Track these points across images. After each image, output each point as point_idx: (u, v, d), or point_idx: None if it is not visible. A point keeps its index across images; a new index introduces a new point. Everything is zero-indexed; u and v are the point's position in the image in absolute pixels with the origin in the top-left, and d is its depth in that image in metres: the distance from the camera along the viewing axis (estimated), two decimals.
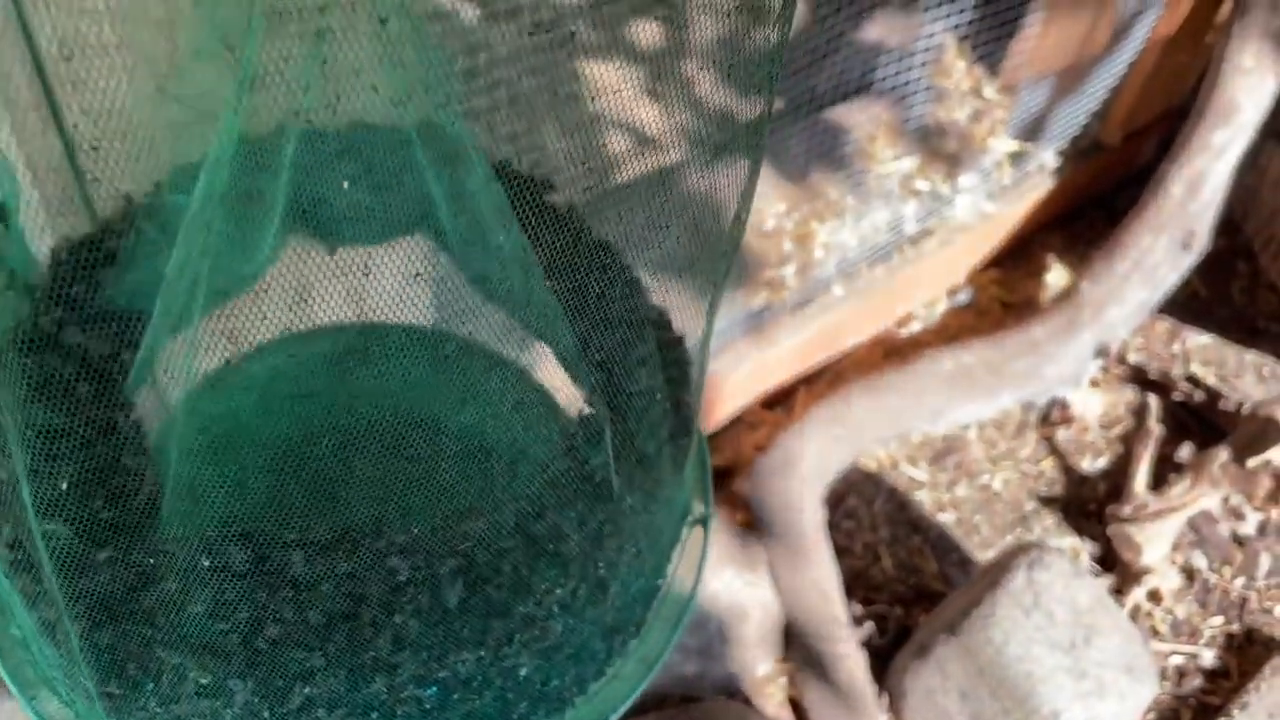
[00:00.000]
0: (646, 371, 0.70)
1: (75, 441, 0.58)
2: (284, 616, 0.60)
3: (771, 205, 2.11)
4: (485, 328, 0.65)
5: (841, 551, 1.94)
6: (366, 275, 0.64)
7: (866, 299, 2.09)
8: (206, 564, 0.59)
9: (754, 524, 1.86)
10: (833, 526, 1.96)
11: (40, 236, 0.61)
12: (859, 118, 2.17)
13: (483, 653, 0.64)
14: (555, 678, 0.71)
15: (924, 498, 2.04)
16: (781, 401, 2.10)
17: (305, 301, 0.64)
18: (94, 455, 0.59)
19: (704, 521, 0.84)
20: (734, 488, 1.92)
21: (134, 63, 0.56)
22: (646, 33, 0.66)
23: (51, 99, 0.58)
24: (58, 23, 0.53)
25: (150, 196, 0.62)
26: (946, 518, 2.02)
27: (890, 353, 2.18)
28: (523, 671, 0.68)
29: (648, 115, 0.70)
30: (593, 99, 0.64)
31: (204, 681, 0.60)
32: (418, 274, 0.65)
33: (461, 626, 0.63)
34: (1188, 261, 2.11)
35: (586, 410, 0.68)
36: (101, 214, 0.65)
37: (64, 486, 0.58)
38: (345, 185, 0.56)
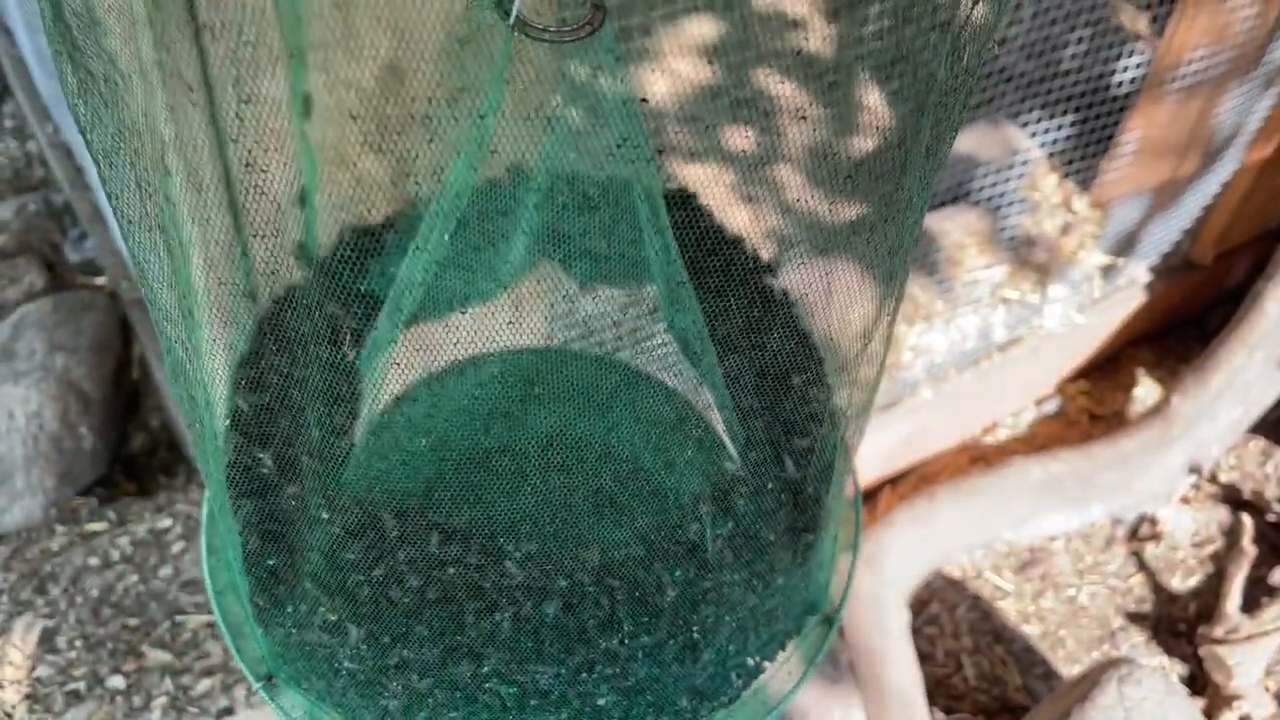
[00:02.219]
0: (793, 462, 0.74)
1: (302, 392, 0.67)
2: (409, 584, 0.68)
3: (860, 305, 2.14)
4: (679, 379, 0.71)
5: (923, 658, 1.92)
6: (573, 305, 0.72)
7: (954, 403, 2.09)
8: (366, 523, 0.67)
9: None
10: (915, 632, 1.94)
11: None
12: (950, 225, 2.20)
13: (562, 671, 0.69)
14: (633, 718, 0.74)
15: (1008, 607, 2.01)
16: (866, 501, 2.10)
17: (517, 322, 0.71)
18: (313, 408, 0.67)
19: (830, 621, 0.85)
20: None
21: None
22: (738, 137, 0.71)
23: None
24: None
25: (411, 208, 0.69)
26: (1031, 629, 1.99)
27: (976, 459, 2.18)
28: (600, 701, 0.72)
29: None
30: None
31: (331, 618, 0.68)
32: (634, 315, 0.72)
33: (549, 640, 0.69)
34: None
35: (721, 481, 0.72)
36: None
37: (283, 424, 0.67)
38: (585, 229, 0.63)
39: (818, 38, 0.66)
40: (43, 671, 1.71)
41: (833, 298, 0.72)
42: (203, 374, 0.68)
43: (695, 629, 0.71)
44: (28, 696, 1.68)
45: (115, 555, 1.85)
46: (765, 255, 0.79)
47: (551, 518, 0.72)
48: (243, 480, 0.72)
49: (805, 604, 0.82)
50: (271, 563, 0.71)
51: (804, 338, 0.77)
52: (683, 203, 0.77)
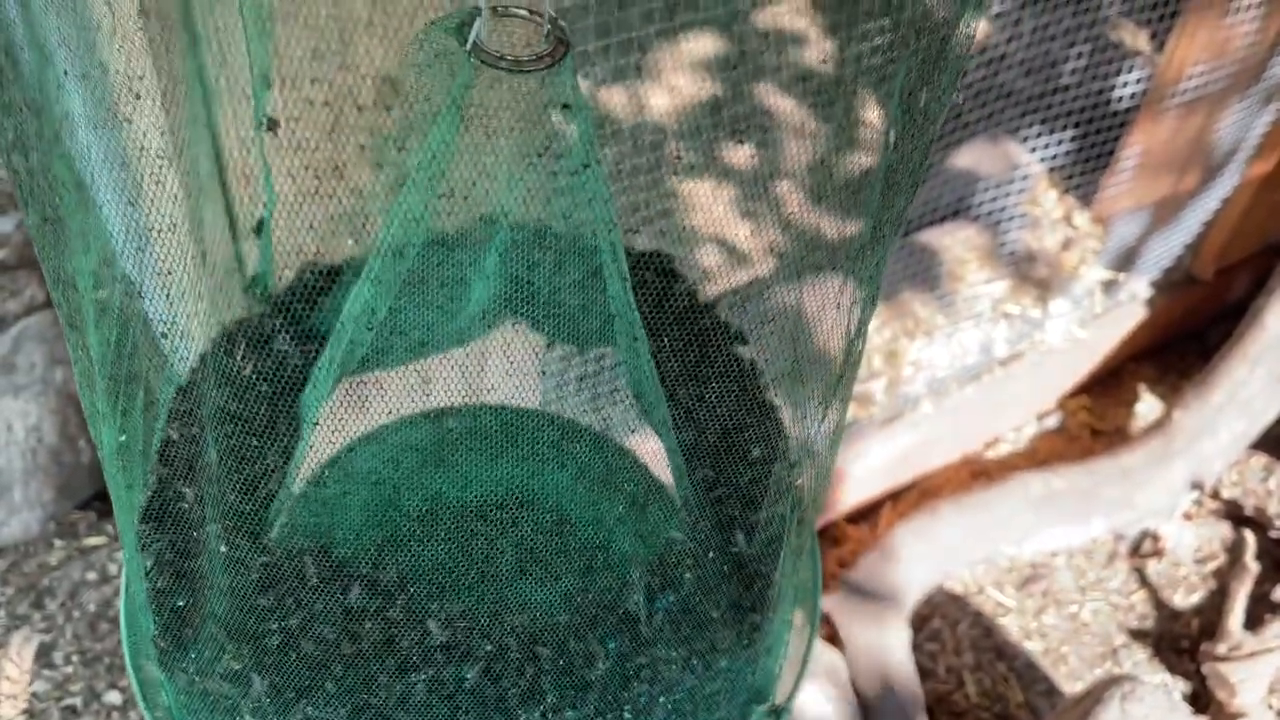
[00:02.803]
0: (744, 535, 0.71)
1: (239, 426, 0.65)
2: (323, 636, 0.65)
3: None
4: (634, 440, 0.69)
5: (925, 674, 1.91)
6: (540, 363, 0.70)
7: (955, 418, 2.09)
8: (285, 568, 0.65)
9: (837, 639, 1.84)
10: (916, 648, 1.93)
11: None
12: (951, 240, 2.20)
13: None
14: None
15: (1010, 624, 2.00)
16: (867, 517, 2.10)
17: (479, 383, 0.69)
18: (247, 442, 0.65)
19: (778, 713, 0.80)
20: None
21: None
22: (739, 155, 0.71)
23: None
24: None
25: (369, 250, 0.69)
26: (1033, 646, 1.98)
27: (978, 473, 2.17)
28: None
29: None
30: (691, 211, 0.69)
31: (235, 666, 0.65)
32: (590, 372, 0.70)
33: (465, 708, 0.65)
34: None
35: (666, 550, 0.70)
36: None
37: (214, 456, 0.64)
38: (544, 278, 0.62)
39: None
40: (39, 687, 1.70)
41: (795, 354, 0.71)
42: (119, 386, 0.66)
43: (626, 708, 0.68)
44: (24, 712, 1.67)
45: (113, 569, 1.84)
46: (735, 321, 0.77)
47: (481, 576, 0.69)
48: (160, 514, 0.68)
49: (751, 691, 0.78)
50: (180, 603, 0.68)
51: (769, 410, 0.75)
52: (658, 266, 0.77)
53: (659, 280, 0.75)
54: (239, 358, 0.66)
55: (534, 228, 0.59)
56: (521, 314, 0.67)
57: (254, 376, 0.65)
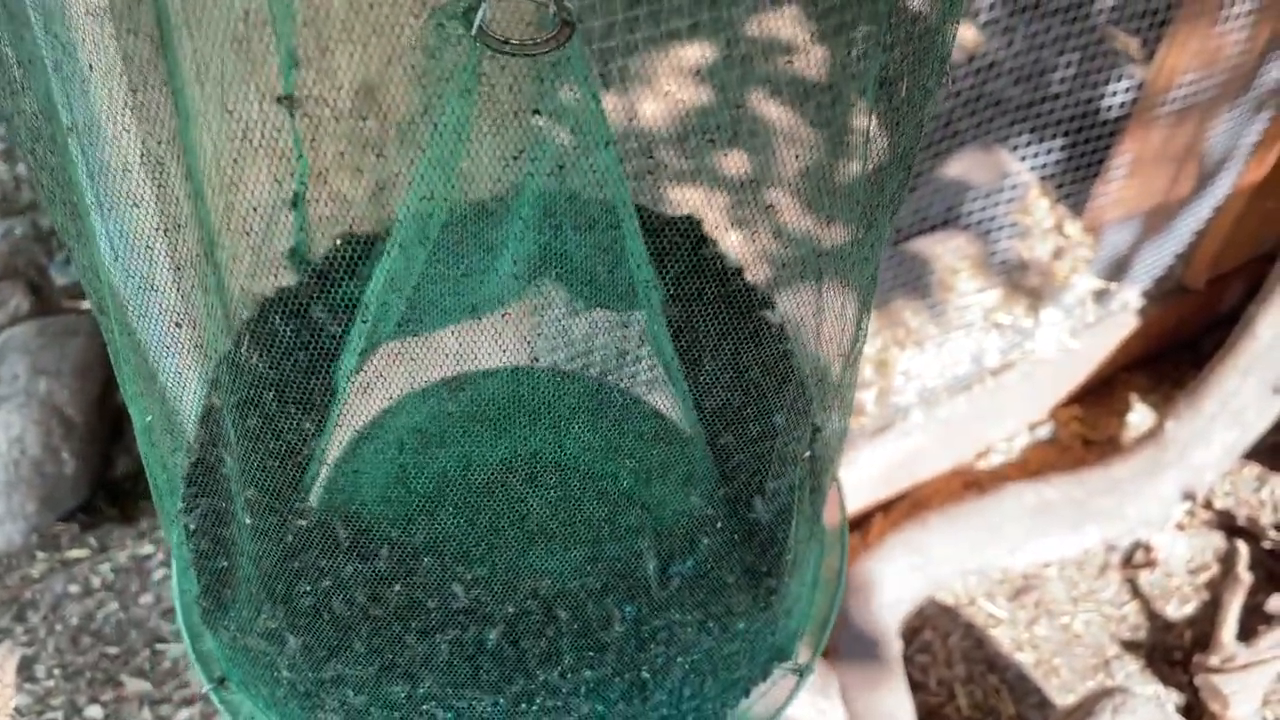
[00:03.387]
0: (761, 502, 0.72)
1: (276, 394, 0.67)
2: (353, 599, 0.67)
3: None
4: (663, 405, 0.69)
5: (916, 686, 1.89)
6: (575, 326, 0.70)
7: (946, 428, 2.08)
8: (318, 532, 0.67)
9: (828, 651, 1.82)
10: (907, 660, 1.91)
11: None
12: (942, 249, 2.19)
13: (500, 700, 0.68)
14: None
15: (1002, 635, 1.99)
16: (858, 527, 2.08)
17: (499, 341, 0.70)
18: (284, 410, 0.67)
19: (801, 672, 0.81)
20: None
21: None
22: (731, 161, 0.70)
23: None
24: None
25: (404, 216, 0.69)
26: (1025, 657, 1.96)
27: (969, 483, 2.16)
28: None
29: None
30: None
31: (271, 625, 0.67)
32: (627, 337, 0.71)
33: (486, 668, 0.67)
34: (1278, 406, 2.07)
35: (686, 516, 0.70)
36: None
37: (252, 423, 0.66)
38: (569, 246, 0.62)
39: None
40: (21, 701, 1.68)
41: (821, 328, 0.71)
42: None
43: (644, 668, 0.69)
44: None
45: (96, 582, 1.82)
46: (762, 285, 0.78)
47: (506, 540, 0.70)
48: (202, 479, 0.70)
49: (772, 650, 0.79)
50: (222, 564, 0.70)
51: (794, 374, 0.75)
52: (686, 230, 0.76)
53: (687, 244, 0.75)
54: (277, 326, 0.68)
55: (560, 191, 0.59)
56: (553, 273, 0.67)
57: (291, 344, 0.67)
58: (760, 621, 0.73)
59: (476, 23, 0.49)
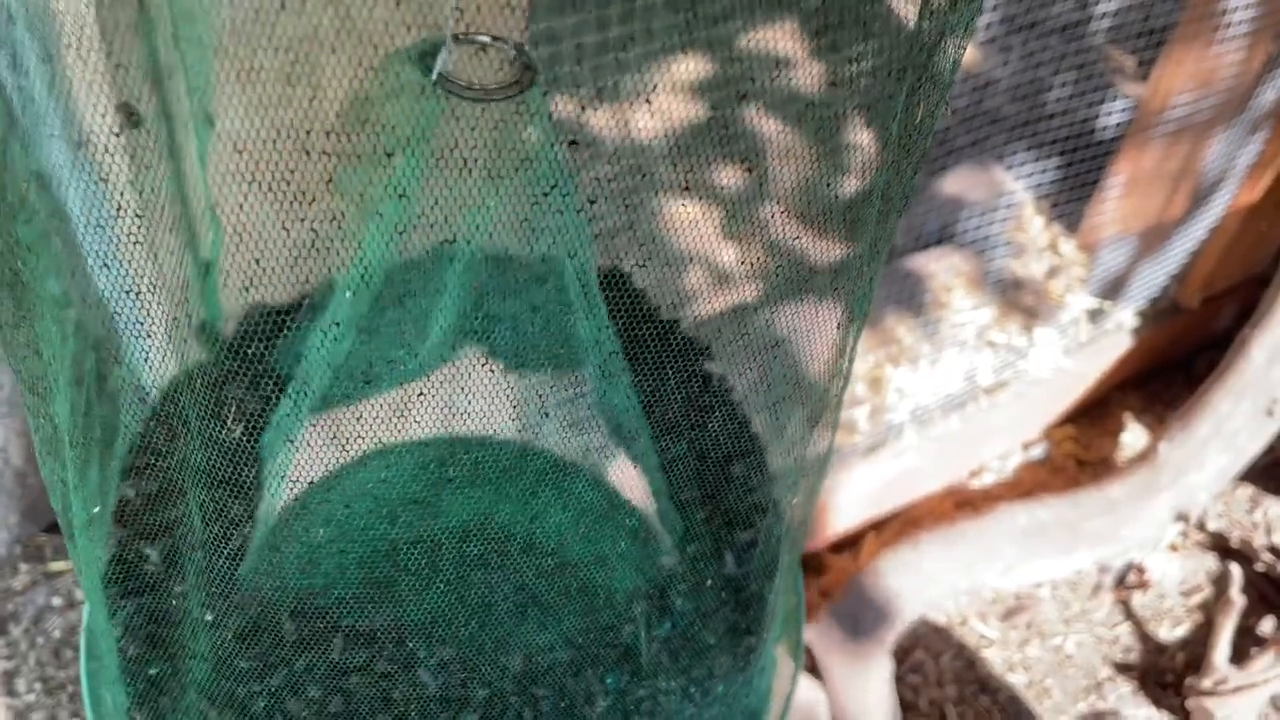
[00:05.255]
0: (734, 557, 0.70)
1: (197, 480, 0.61)
2: (307, 695, 0.62)
3: None
4: (609, 466, 0.67)
5: (906, 707, 1.87)
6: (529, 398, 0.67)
7: (940, 447, 2.07)
8: (261, 626, 0.62)
9: (817, 670, 1.80)
10: (898, 680, 1.90)
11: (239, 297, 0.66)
12: (936, 267, 2.18)
13: None
14: None
15: (994, 656, 1.97)
16: (849, 546, 2.07)
17: (452, 414, 0.66)
18: (209, 497, 0.61)
19: None
20: None
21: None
22: (728, 176, 0.69)
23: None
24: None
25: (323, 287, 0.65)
26: (1017, 679, 1.95)
27: (962, 503, 2.14)
28: None
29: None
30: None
31: None
32: (567, 400, 0.67)
33: None
34: (1271, 429, 2.07)
35: (657, 577, 0.68)
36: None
37: (173, 515, 0.61)
38: (512, 306, 0.59)
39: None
40: (1, 715, 1.66)
41: (772, 378, 0.69)
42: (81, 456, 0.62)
43: None
44: None
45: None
46: (701, 337, 0.75)
47: (469, 619, 0.66)
48: (124, 578, 0.64)
49: (747, 713, 0.77)
50: (153, 671, 0.64)
51: (743, 424, 0.73)
52: (616, 282, 0.74)
53: (620, 298, 0.73)
54: (190, 407, 0.62)
55: (492, 252, 0.57)
56: (482, 341, 0.64)
57: (208, 425, 0.62)
58: (738, 683, 0.71)
59: (437, 68, 0.48)
